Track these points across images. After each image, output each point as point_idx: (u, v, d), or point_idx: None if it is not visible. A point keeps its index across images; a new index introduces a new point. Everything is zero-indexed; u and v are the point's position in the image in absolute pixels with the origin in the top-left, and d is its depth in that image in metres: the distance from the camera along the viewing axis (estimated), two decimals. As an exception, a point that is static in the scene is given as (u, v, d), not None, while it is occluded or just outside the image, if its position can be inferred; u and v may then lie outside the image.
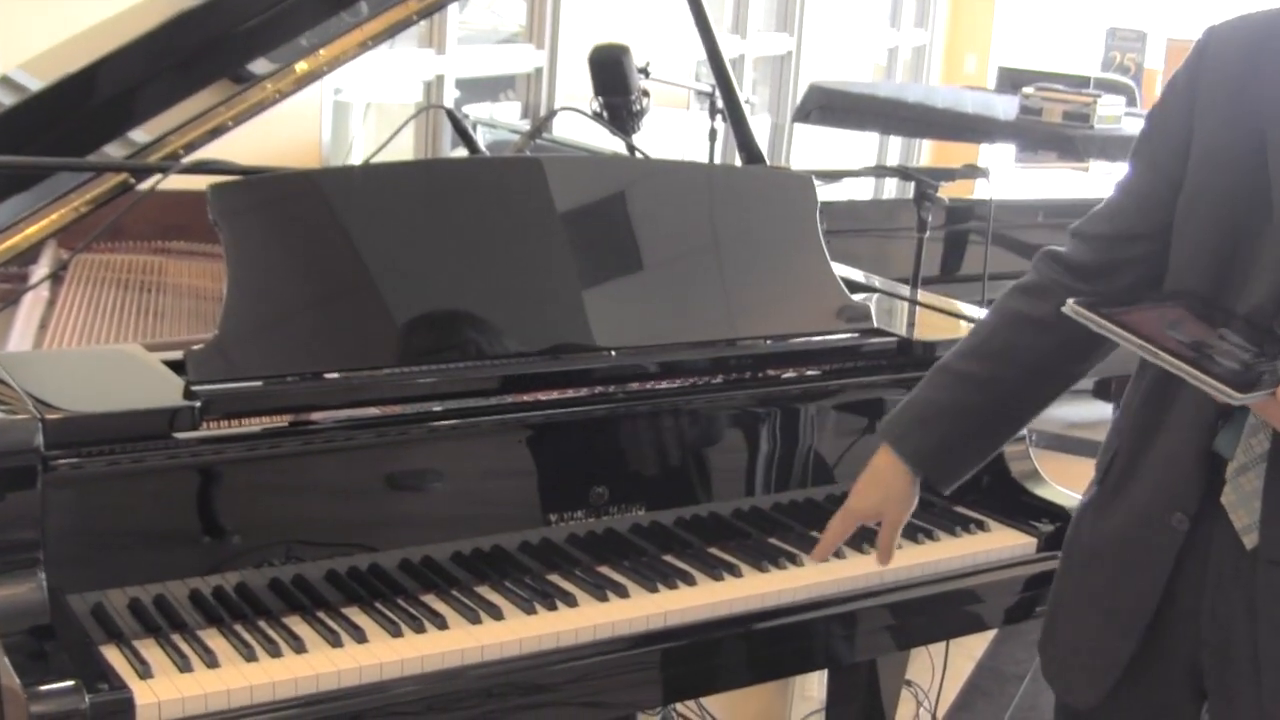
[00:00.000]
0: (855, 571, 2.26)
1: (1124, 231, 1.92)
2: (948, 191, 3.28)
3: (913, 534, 2.38)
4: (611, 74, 3.62)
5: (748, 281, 2.42)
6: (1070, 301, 1.71)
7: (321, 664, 1.86)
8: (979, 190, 4.51)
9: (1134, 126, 4.94)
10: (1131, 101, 6.23)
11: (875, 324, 2.50)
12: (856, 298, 2.53)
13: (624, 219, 2.34)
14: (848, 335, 2.48)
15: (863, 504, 2.10)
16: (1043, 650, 2.08)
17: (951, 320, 2.68)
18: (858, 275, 2.88)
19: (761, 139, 3.28)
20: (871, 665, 2.74)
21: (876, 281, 2.90)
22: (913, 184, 3.24)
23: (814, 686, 3.52)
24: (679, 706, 3.27)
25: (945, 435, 2.05)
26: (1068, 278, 1.96)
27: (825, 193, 2.59)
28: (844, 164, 5.04)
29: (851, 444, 2.44)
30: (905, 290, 2.87)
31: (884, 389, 2.46)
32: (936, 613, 2.37)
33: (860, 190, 4.88)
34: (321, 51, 2.50)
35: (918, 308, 2.76)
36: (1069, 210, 4.38)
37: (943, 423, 2.04)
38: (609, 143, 4.13)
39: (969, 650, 3.93)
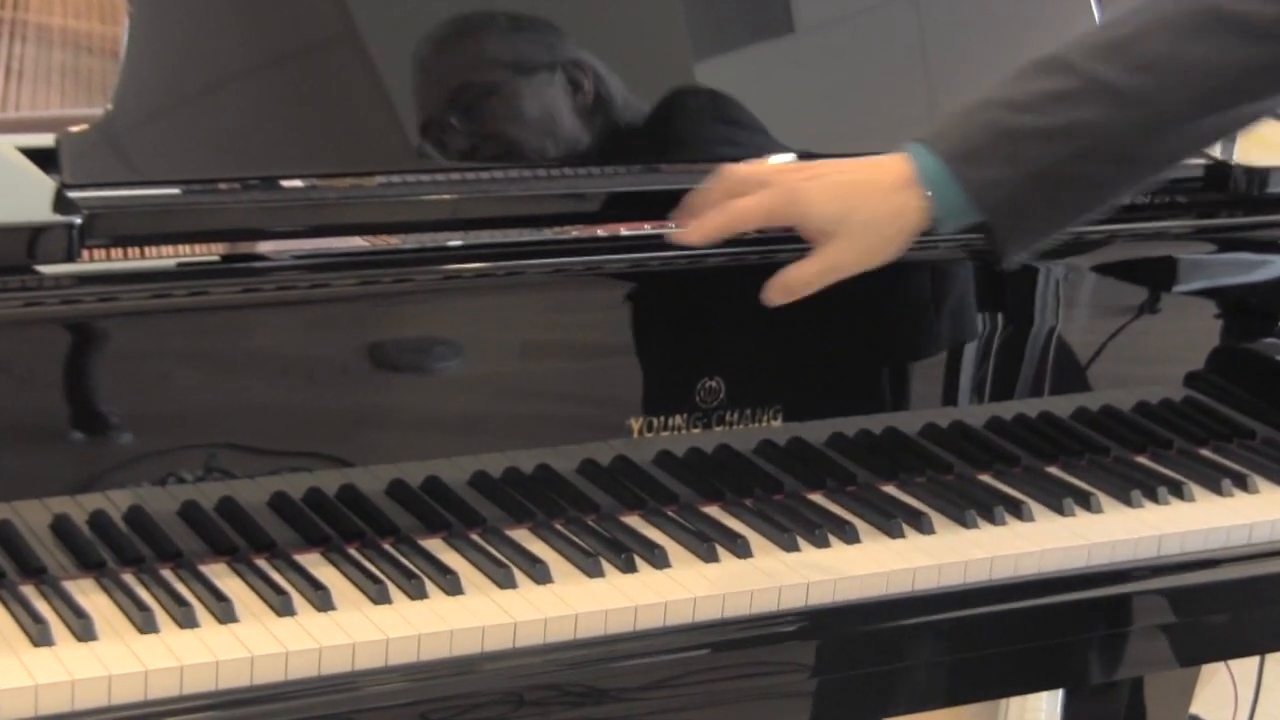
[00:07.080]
0: (1114, 535, 2.27)
1: None
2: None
3: (1213, 481, 2.39)
4: None
5: (961, 64, 2.42)
6: None
7: (260, 642, 1.86)
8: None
9: None
10: None
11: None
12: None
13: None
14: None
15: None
16: None
17: (1292, 137, 2.65)
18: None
19: None
20: (1135, 688, 2.77)
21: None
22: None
23: (1039, 716, 3.55)
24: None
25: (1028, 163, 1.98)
26: None
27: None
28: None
29: (1119, 329, 2.45)
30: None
31: (1178, 243, 2.46)
32: (1242, 609, 2.38)
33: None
34: None
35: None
36: None
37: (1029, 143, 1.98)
38: None
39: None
